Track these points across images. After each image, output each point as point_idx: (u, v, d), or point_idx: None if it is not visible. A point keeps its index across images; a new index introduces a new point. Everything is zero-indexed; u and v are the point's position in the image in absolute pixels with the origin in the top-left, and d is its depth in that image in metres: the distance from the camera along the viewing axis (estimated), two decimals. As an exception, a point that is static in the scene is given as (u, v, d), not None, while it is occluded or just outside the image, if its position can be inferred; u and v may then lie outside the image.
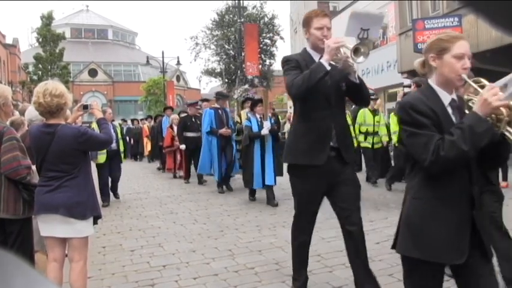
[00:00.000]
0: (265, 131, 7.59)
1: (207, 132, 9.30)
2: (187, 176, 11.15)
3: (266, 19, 37.01)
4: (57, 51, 32.88)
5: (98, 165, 8.13)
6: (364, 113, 9.63)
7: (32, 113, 4.23)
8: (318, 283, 3.98)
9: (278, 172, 7.81)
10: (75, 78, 47.25)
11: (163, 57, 33.03)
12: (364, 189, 8.74)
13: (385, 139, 9.55)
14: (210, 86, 52.45)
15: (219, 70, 37.04)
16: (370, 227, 5.87)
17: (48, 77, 29.51)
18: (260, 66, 29.86)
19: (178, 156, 11.86)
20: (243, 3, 27.39)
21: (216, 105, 9.69)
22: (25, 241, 3.50)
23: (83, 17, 58.83)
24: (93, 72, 50.36)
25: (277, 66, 40.39)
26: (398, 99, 8.47)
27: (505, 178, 8.68)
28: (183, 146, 10.83)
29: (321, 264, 4.49)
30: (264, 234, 5.77)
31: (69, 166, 3.23)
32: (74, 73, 46.65)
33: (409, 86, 8.48)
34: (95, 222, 3.43)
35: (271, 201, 7.65)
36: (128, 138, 19.18)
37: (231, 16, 35.13)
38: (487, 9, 0.73)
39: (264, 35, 36.07)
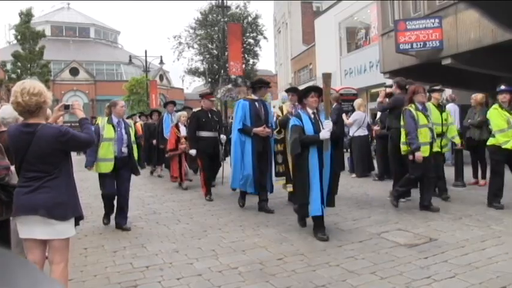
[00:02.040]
0: (325, 133, 5.30)
1: (238, 130, 7.16)
2: (207, 192, 8.37)
3: (250, 19, 37.10)
4: (37, 49, 32.38)
5: (101, 175, 6.29)
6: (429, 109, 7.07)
7: (5, 111, 4.17)
8: (301, 282, 4.00)
9: (335, 189, 5.98)
10: (56, 77, 46.67)
11: (146, 56, 32.83)
12: (346, 188, 8.83)
13: (457, 141, 7.74)
14: (193, 85, 52.28)
15: (202, 69, 37.01)
16: (353, 226, 5.93)
17: (27, 76, 29.06)
18: (243, 65, 29.83)
19: (184, 162, 10.00)
20: (226, 3, 27.35)
21: (253, 96, 7.35)
22: (3, 243, 3.45)
23: (64, 15, 58.08)
24: (74, 71, 49.77)
25: (260, 65, 40.50)
26: (380, 99, 8.51)
27: (483, 176, 8.82)
28: (193, 151, 8.38)
29: (304, 263, 4.51)
30: (248, 234, 5.78)
31: (50, 166, 3.19)
32: (54, 72, 46.07)
33: (391, 86, 8.55)
34: (76, 223, 3.39)
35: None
36: None
37: (215, 15, 35.12)
38: (490, 9, 0.75)
39: (248, 34, 36.15)
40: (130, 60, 33.17)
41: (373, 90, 20.18)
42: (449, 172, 9.34)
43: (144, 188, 10.36)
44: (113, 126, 6.22)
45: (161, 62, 33.11)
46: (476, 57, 11.42)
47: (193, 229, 6.15)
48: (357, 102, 11.31)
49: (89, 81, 50.14)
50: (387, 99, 8.28)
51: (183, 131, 9.78)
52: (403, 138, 6.80)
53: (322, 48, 28.13)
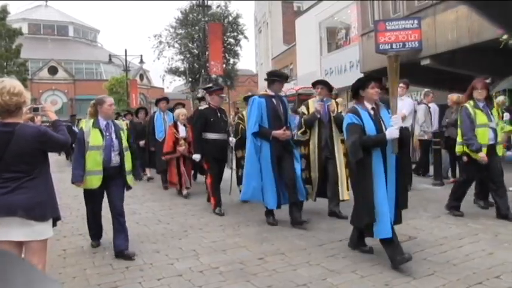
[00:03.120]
0: (393, 132, 4.16)
1: (253, 133, 5.99)
2: (217, 203, 7.03)
3: (230, 18, 37.02)
4: (13, 47, 31.78)
5: (86, 192, 5.15)
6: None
7: None
8: (282, 281, 4.01)
9: (402, 203, 4.53)
10: (33, 76, 45.96)
11: (126, 55, 32.51)
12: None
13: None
14: (174, 85, 51.99)
15: (182, 69, 36.82)
16: (333, 225, 5.96)
17: (4, 74, 28.50)
18: (224, 65, 29.80)
19: (182, 166, 8.79)
20: (207, 2, 27.30)
21: (268, 92, 6.22)
22: None
23: (42, 13, 57.18)
24: (53, 70, 49.06)
25: (241, 65, 40.51)
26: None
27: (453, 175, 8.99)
28: (197, 156, 7.20)
29: (285, 262, 4.52)
30: (228, 234, 5.77)
31: (29, 166, 3.14)
32: (32, 70, 45.33)
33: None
34: (54, 225, 3.35)
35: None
36: None
37: (195, 15, 34.98)
38: (486, 8, 0.76)
39: (228, 34, 36.08)
40: (110, 59, 32.83)
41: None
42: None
43: (124, 188, 10.26)
44: (100, 130, 4.89)
45: (141, 61, 32.84)
46: (454, 58, 11.60)
47: (173, 229, 6.12)
48: (338, 101, 11.37)
49: (67, 80, 49.48)
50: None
51: (182, 132, 8.78)
52: (459, 138, 6.27)
53: (303, 48, 28.22)
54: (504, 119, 8.37)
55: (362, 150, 4.22)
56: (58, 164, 16.51)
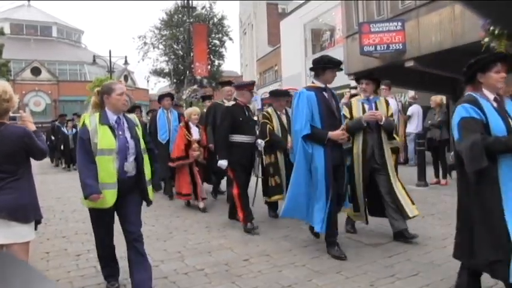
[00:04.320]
0: None
1: (304, 136, 4.67)
2: (246, 218, 5.93)
3: (215, 20, 36.99)
4: (-5, 47, 31.32)
5: (94, 212, 3.81)
6: None
7: None
8: (267, 282, 4.01)
9: None
10: (16, 77, 45.32)
11: (110, 56, 32.25)
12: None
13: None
14: (159, 86, 51.79)
15: (167, 70, 36.71)
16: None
17: (-14, 75, 28.12)
18: (209, 66, 29.75)
19: (197, 174, 7.50)
20: (192, 4, 27.22)
21: (317, 84, 4.95)
22: None
23: (24, 13, 56.42)
24: (36, 71, 48.46)
25: (226, 66, 40.46)
26: (345, 100, 8.64)
27: (444, 176, 9.08)
28: (223, 163, 5.92)
29: (270, 264, 4.53)
30: (213, 236, 5.76)
31: (14, 166, 3.12)
32: (15, 71, 44.72)
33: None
34: (35, 227, 3.31)
35: None
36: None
37: (180, 16, 34.90)
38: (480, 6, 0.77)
39: (213, 35, 36.04)
40: (94, 60, 32.54)
41: (338, 92, 20.42)
42: (412, 172, 9.56)
43: (109, 190, 10.17)
44: (111, 128, 3.64)
45: (126, 63, 32.62)
46: (438, 60, 11.72)
47: (158, 231, 6.09)
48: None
49: (51, 81, 48.92)
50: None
51: (195, 133, 7.56)
52: None
53: (288, 49, 28.33)
54: None
55: (485, 158, 2.95)
56: (40, 166, 16.34)
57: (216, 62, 37.10)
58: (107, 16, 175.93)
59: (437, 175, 9.16)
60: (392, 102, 9.02)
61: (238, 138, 6.03)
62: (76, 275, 4.40)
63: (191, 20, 26.26)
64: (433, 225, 5.85)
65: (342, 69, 5.20)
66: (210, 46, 32.63)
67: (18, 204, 3.08)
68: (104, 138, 3.56)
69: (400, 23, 12.54)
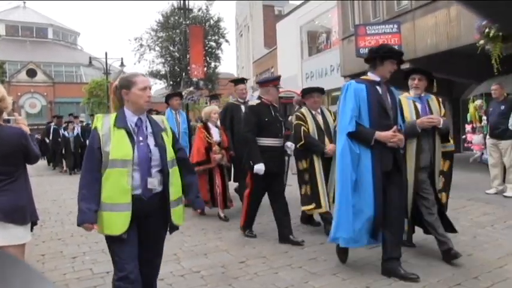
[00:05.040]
0: None
1: (349, 133, 4.04)
2: (247, 224, 5.71)
3: (212, 22, 36.99)
4: (-10, 49, 31.26)
5: (111, 240, 2.95)
6: None
7: None
8: (263, 285, 4.01)
9: None
10: (11, 79, 45.21)
11: (106, 58, 32.26)
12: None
13: None
14: (155, 88, 51.55)
15: (163, 72, 36.64)
16: (314, 228, 5.99)
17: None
18: (205, 68, 29.74)
19: (219, 179, 6.79)
20: (188, 5, 27.22)
21: (371, 76, 4.26)
22: None
23: (20, 14, 56.32)
24: (31, 73, 48.34)
25: (222, 68, 40.48)
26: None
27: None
28: (261, 167, 5.22)
29: (267, 266, 4.53)
30: (210, 238, 5.75)
31: (11, 168, 3.12)
32: (10, 73, 44.62)
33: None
34: (31, 228, 3.30)
35: None
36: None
37: (176, 18, 34.86)
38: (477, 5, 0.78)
39: (210, 37, 36.03)
40: (90, 62, 32.53)
41: (334, 94, 20.45)
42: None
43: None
44: (128, 132, 2.89)
45: (122, 64, 32.58)
46: (433, 62, 11.77)
47: (155, 233, 6.07)
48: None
49: (47, 83, 48.82)
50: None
51: (216, 134, 6.79)
52: None
53: (284, 51, 28.34)
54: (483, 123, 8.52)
55: None
56: (36, 168, 16.28)
57: (213, 64, 37.07)
58: (103, 18, 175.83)
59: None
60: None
61: (264, 141, 5.37)
62: (72, 278, 4.39)
63: (187, 22, 26.20)
64: (429, 227, 5.86)
65: (403, 62, 4.62)
66: (206, 48, 32.61)
67: (16, 205, 3.08)
68: (118, 146, 2.79)
69: (396, 25, 12.59)
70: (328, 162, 5.57)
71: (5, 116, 3.26)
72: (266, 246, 5.22)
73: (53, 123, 17.24)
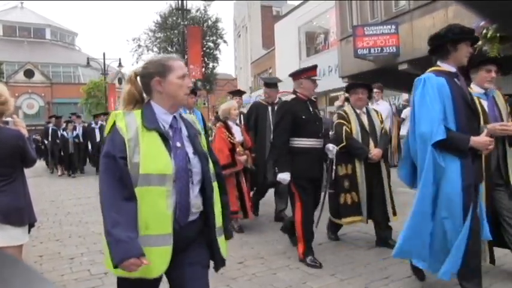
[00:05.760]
0: None
1: (436, 143, 3.20)
2: (306, 250, 4.60)
3: (210, 22, 37.00)
4: (-13, 49, 31.20)
5: (126, 284, 2.16)
6: None
7: None
8: (262, 285, 4.01)
9: None
10: (9, 79, 45.11)
11: (104, 58, 32.21)
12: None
13: None
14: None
15: (162, 73, 36.62)
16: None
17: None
18: (203, 69, 29.74)
19: (244, 186, 6.00)
20: (186, 6, 27.22)
21: (445, 67, 3.52)
22: None
23: (17, 15, 56.20)
24: (29, 73, 48.27)
25: (220, 69, 40.50)
26: (339, 103, 8.67)
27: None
28: (285, 177, 4.51)
29: (265, 266, 4.53)
30: (208, 238, 5.73)
31: (9, 169, 3.12)
32: (7, 73, 44.54)
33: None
34: (28, 230, 3.30)
35: None
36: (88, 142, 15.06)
37: (174, 19, 34.85)
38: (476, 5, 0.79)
39: (208, 38, 36.05)
40: (88, 62, 32.47)
41: (332, 94, 20.47)
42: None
43: (103, 193, 10.15)
44: (162, 136, 2.10)
45: (120, 65, 32.57)
46: (431, 63, 11.80)
47: (153, 234, 6.06)
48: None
49: (45, 83, 48.75)
50: (346, 103, 8.44)
51: (238, 134, 6.01)
52: None
53: (282, 52, 28.37)
54: None
55: None
56: (34, 170, 16.22)
57: (211, 65, 37.08)
58: (101, 18, 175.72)
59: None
60: (385, 106, 9.07)
61: (301, 142, 4.62)
62: (70, 279, 4.38)
63: (185, 23, 26.21)
64: (427, 227, 5.87)
65: (477, 41, 3.82)
66: (204, 49, 32.60)
67: (14, 206, 3.08)
68: (151, 156, 2.03)
69: (394, 26, 12.62)
70: (372, 168, 4.96)
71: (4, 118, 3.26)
72: (264, 247, 5.22)
73: (51, 124, 16.29)
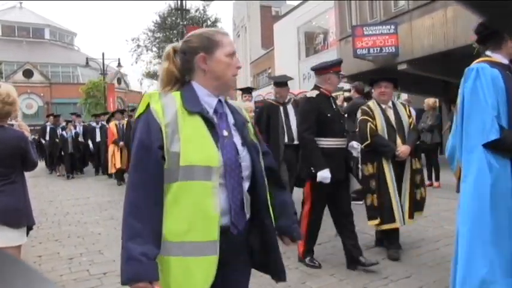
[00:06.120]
0: None
1: (487, 144, 2.68)
2: (307, 250, 4.54)
3: (209, 22, 37.05)
4: (-13, 49, 31.18)
5: None
6: None
7: None
8: (261, 285, 4.00)
9: None
10: (7, 79, 45.05)
11: (103, 58, 32.21)
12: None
13: None
14: (152, 89, 51.67)
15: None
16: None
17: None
18: (203, 69, 29.73)
19: None
20: (185, 6, 27.21)
21: (496, 57, 2.95)
22: None
23: (16, 14, 56.15)
24: (28, 73, 48.25)
25: (219, 69, 40.45)
26: (339, 103, 8.66)
27: (437, 178, 9.14)
28: (326, 176, 4.20)
29: (264, 266, 4.51)
30: (207, 238, 5.74)
31: (8, 169, 3.11)
32: (6, 73, 44.56)
33: (349, 91, 8.72)
34: (27, 233, 3.29)
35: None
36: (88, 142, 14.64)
37: (174, 18, 34.89)
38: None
39: (207, 38, 36.07)
40: (87, 62, 32.47)
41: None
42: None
43: (101, 193, 10.15)
44: (207, 121, 1.73)
45: (119, 65, 32.57)
46: (430, 63, 11.81)
47: (152, 234, 6.06)
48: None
49: (44, 83, 48.72)
50: (345, 103, 8.44)
51: None
52: None
53: (281, 52, 28.38)
54: None
55: None
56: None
57: (210, 65, 37.17)
58: (100, 18, 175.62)
59: (430, 177, 9.21)
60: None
61: (326, 142, 4.31)
62: (69, 279, 4.38)
63: (184, 23, 26.22)
64: (426, 227, 5.87)
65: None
66: (203, 49, 32.64)
67: (12, 207, 3.06)
68: (194, 144, 1.67)
69: (393, 26, 12.63)
70: (400, 166, 4.67)
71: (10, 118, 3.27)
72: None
73: (49, 123, 15.99)
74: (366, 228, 5.48)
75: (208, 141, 1.68)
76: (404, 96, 14.69)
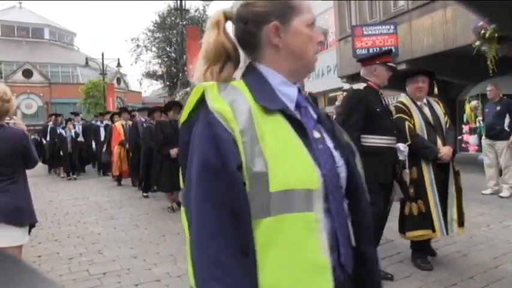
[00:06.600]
0: None
1: None
2: None
3: (208, 22, 37.02)
4: (-15, 49, 31.18)
5: None
6: None
7: None
8: (260, 286, 4.01)
9: None
10: (7, 79, 45.02)
11: (103, 58, 32.23)
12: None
13: None
14: (151, 88, 51.76)
15: (160, 73, 36.69)
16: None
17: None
18: (203, 69, 29.69)
19: None
20: (185, 6, 27.23)
21: None
22: None
23: (16, 14, 56.10)
24: (27, 73, 48.20)
25: (219, 69, 40.44)
26: (338, 103, 8.68)
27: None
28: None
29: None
30: (207, 238, 5.74)
31: (11, 169, 3.13)
32: (5, 73, 44.55)
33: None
34: (29, 231, 3.30)
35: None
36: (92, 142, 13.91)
37: (173, 18, 34.90)
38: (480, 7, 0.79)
39: (207, 38, 36.07)
40: (86, 62, 32.49)
41: (331, 94, 20.48)
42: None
43: (101, 193, 10.15)
44: (292, 120, 1.15)
45: (118, 65, 32.58)
46: (429, 63, 11.81)
47: (151, 234, 6.07)
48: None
49: (43, 83, 48.66)
50: None
51: None
52: None
53: (281, 52, 28.38)
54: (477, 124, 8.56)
55: None
56: (33, 169, 16.19)
57: (209, 65, 37.15)
58: (100, 18, 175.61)
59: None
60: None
61: (374, 140, 3.87)
62: (68, 279, 4.38)
63: (184, 23, 26.21)
64: (425, 227, 5.88)
65: None
66: (203, 49, 32.62)
67: (14, 207, 3.08)
68: (284, 158, 1.09)
69: (392, 26, 12.64)
70: (442, 170, 4.22)
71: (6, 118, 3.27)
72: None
73: (50, 123, 15.44)
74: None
75: (301, 152, 1.12)
76: (404, 96, 14.71)
